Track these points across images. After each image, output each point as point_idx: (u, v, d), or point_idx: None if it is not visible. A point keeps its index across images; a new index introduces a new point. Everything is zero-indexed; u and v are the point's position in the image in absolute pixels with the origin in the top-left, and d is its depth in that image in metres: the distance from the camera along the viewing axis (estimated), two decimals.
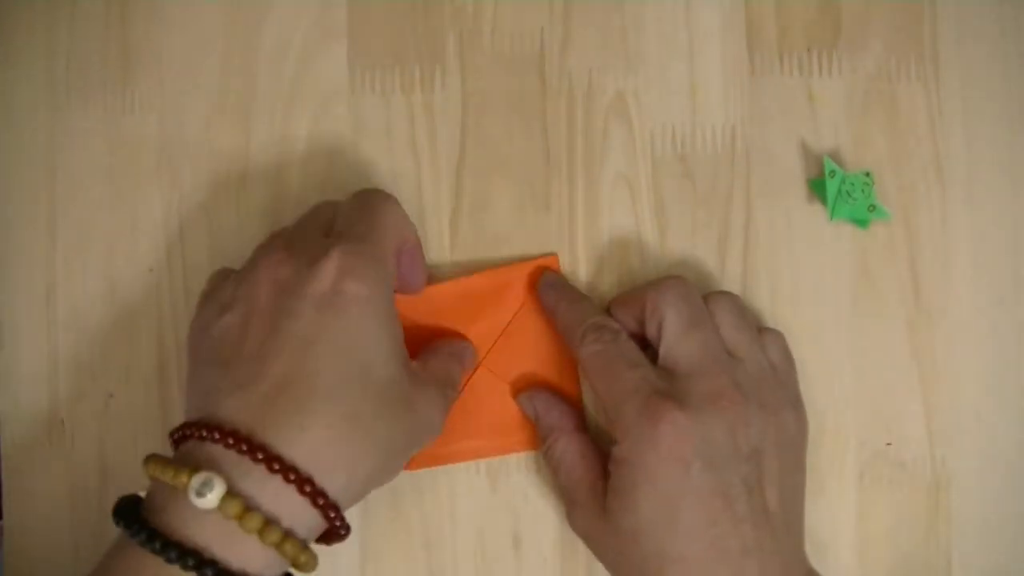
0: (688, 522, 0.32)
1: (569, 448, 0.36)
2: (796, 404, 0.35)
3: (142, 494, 0.30)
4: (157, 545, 0.27)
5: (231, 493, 0.28)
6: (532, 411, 0.38)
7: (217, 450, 0.28)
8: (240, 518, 0.27)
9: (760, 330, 0.36)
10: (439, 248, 0.40)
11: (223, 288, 0.33)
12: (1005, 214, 0.39)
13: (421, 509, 0.39)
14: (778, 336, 0.36)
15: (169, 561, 0.27)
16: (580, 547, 0.39)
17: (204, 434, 0.28)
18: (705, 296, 0.36)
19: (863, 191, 0.38)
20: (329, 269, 0.31)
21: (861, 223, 0.39)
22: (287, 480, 0.28)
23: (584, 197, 0.40)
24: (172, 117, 0.40)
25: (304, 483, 0.28)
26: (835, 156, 0.39)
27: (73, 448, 0.40)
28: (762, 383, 0.34)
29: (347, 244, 0.31)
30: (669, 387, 0.33)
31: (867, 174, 0.38)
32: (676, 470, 0.32)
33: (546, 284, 0.38)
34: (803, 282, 0.39)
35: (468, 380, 0.38)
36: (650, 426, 0.32)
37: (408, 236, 0.35)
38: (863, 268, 0.39)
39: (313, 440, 0.29)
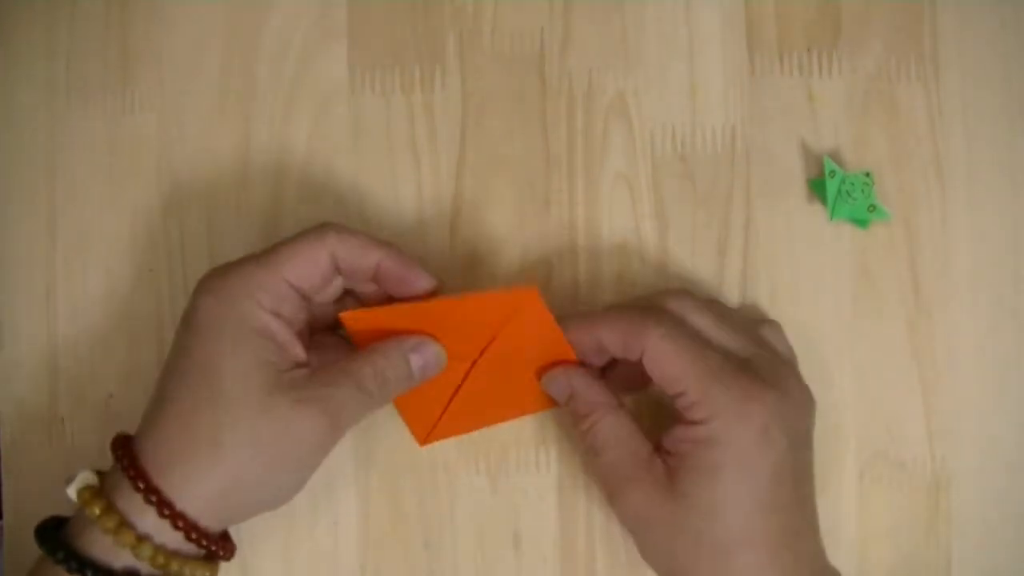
0: (767, 502, 0.32)
1: (618, 424, 0.34)
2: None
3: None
4: (58, 553, 0.32)
5: (110, 508, 0.31)
6: (567, 388, 0.35)
7: (132, 494, 0.32)
8: (115, 533, 0.31)
9: (759, 322, 0.37)
10: (439, 248, 0.40)
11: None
12: (1005, 214, 0.39)
13: (421, 509, 0.39)
14: (778, 327, 0.37)
15: (56, 562, 0.32)
16: (580, 547, 0.39)
17: (128, 468, 0.32)
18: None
19: (863, 191, 0.38)
20: (192, 298, 0.33)
21: (861, 223, 0.39)
22: (148, 502, 0.31)
23: (584, 197, 0.40)
24: (172, 117, 0.40)
25: (163, 507, 0.31)
26: (835, 156, 0.39)
27: (73, 448, 0.40)
28: (794, 370, 0.35)
29: (214, 275, 0.33)
30: (748, 364, 0.33)
31: (867, 174, 0.38)
32: (764, 450, 0.31)
33: (568, 319, 0.36)
34: (803, 282, 0.39)
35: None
36: (742, 403, 0.32)
37: (340, 255, 0.34)
38: (863, 268, 0.39)
39: (175, 462, 0.31)
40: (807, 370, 0.38)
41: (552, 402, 0.37)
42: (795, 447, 0.32)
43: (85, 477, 0.33)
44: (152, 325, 0.40)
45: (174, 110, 0.40)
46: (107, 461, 0.40)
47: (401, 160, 0.40)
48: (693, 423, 0.32)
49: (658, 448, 0.34)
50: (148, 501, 0.31)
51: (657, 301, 0.35)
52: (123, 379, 0.40)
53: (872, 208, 0.38)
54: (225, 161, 0.40)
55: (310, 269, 0.34)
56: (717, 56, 0.40)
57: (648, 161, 0.40)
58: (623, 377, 0.37)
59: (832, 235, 0.39)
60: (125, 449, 0.32)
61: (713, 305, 0.36)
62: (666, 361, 0.33)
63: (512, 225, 0.40)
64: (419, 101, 0.40)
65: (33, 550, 0.40)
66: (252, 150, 0.40)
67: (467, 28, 0.40)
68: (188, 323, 0.33)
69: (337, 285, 0.35)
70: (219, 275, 0.33)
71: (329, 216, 0.40)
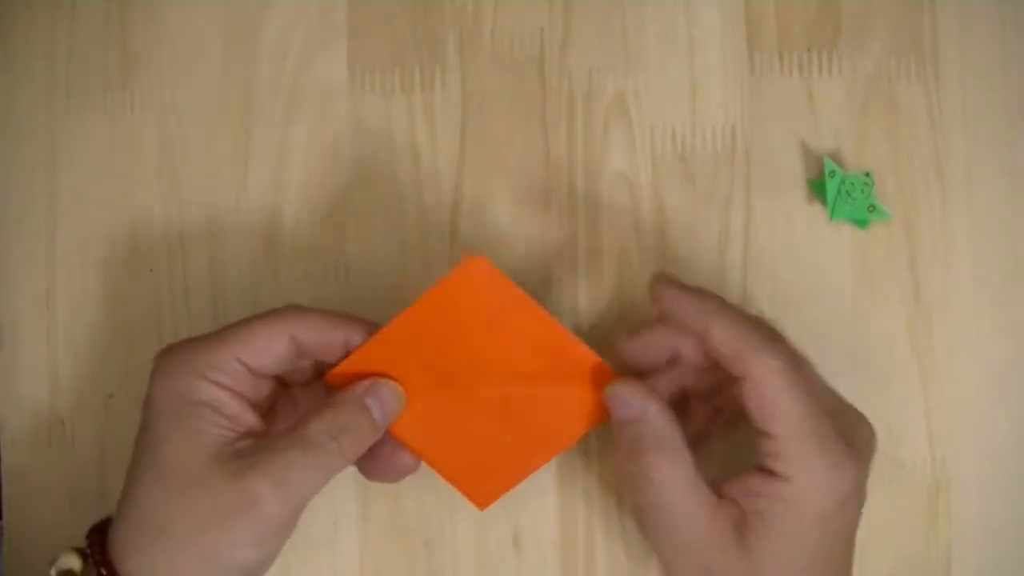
0: (831, 569, 0.31)
1: (686, 469, 0.31)
2: None
3: None
4: None
5: None
6: (638, 412, 0.32)
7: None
8: None
9: None
10: (439, 248, 0.40)
11: None
12: (1005, 214, 0.39)
13: (421, 509, 0.39)
14: None
15: None
16: (580, 547, 0.39)
17: (98, 560, 0.32)
18: None
19: (863, 191, 0.38)
20: (151, 375, 0.33)
21: (861, 223, 0.39)
22: None
23: (584, 197, 0.40)
24: (172, 117, 0.40)
25: None
26: (835, 156, 0.39)
27: (73, 448, 0.40)
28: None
29: (167, 351, 0.33)
30: (840, 428, 0.31)
31: (867, 174, 0.38)
32: (842, 517, 0.31)
33: (668, 281, 0.33)
34: (803, 282, 0.39)
35: (463, 407, 0.35)
36: (831, 469, 0.30)
37: (296, 331, 0.33)
38: (863, 268, 0.39)
39: (129, 549, 0.31)
40: None
41: (595, 420, 0.34)
42: (859, 512, 0.32)
43: (65, 561, 0.33)
44: (152, 325, 0.40)
45: (174, 110, 0.40)
46: (107, 462, 0.40)
47: (401, 160, 0.40)
48: (773, 474, 0.30)
49: (721, 496, 0.31)
50: None
51: (767, 327, 0.32)
52: (123, 379, 0.40)
53: (872, 208, 0.38)
54: (225, 161, 0.40)
55: (265, 350, 0.32)
56: (717, 56, 0.40)
57: (648, 161, 0.40)
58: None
59: (832, 235, 0.39)
60: (98, 535, 0.32)
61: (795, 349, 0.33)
62: (775, 398, 0.30)
63: (512, 225, 0.40)
64: (419, 101, 0.40)
65: (33, 551, 0.40)
66: (252, 150, 0.40)
67: (467, 28, 0.40)
68: (144, 404, 0.33)
69: (305, 364, 0.34)
70: (169, 353, 0.33)
71: (329, 216, 0.40)
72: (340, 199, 0.40)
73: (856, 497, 0.31)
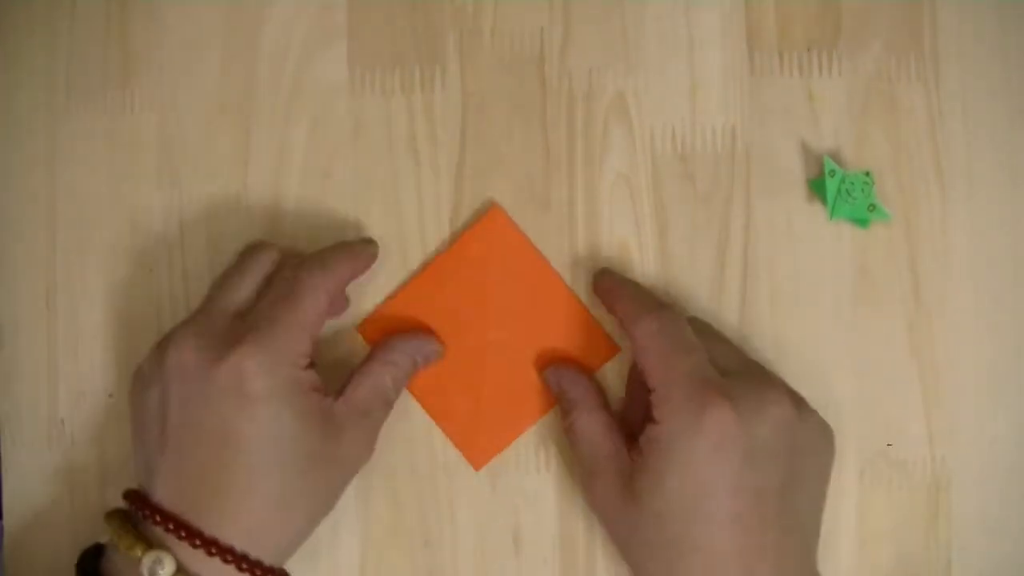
0: (716, 513, 0.32)
1: (593, 422, 0.36)
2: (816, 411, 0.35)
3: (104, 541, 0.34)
4: None
5: (181, 570, 0.31)
6: (556, 386, 0.38)
7: (161, 531, 0.32)
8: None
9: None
10: (439, 248, 0.40)
11: (148, 359, 0.35)
12: (1005, 214, 0.39)
13: (421, 509, 0.39)
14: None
15: None
16: (580, 547, 0.39)
17: (148, 514, 0.32)
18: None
19: (863, 191, 0.38)
20: (234, 366, 0.32)
21: (861, 223, 0.39)
22: (225, 561, 0.32)
23: (584, 197, 0.40)
24: (172, 117, 0.40)
25: (241, 561, 0.32)
26: (835, 156, 0.39)
27: (73, 448, 0.40)
28: (793, 391, 0.35)
29: (252, 343, 0.33)
30: (722, 381, 0.33)
31: (867, 174, 0.38)
32: (714, 460, 0.32)
33: (603, 272, 0.39)
34: (803, 282, 0.39)
35: (478, 360, 0.39)
36: (697, 412, 0.32)
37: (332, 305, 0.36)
38: (863, 268, 0.39)
39: (242, 522, 0.32)
40: (807, 370, 0.39)
41: (608, 354, 0.39)
42: (757, 466, 0.32)
43: (163, 559, 0.32)
44: (152, 325, 0.40)
45: (174, 110, 0.40)
46: (107, 461, 0.40)
47: (401, 160, 0.40)
48: (654, 422, 0.33)
49: (632, 448, 0.34)
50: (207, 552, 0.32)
51: (654, 301, 0.36)
52: (123, 379, 0.40)
53: (872, 208, 0.38)
54: (225, 161, 0.40)
55: (318, 323, 0.35)
56: (717, 56, 0.40)
57: (648, 161, 0.40)
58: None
59: (832, 235, 0.39)
60: (188, 529, 0.32)
61: (715, 331, 0.38)
62: (646, 354, 0.34)
63: None
64: (419, 101, 0.40)
65: (33, 551, 0.40)
66: (252, 150, 0.40)
67: (467, 28, 0.40)
68: (236, 402, 0.32)
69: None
70: (262, 352, 0.33)
71: (329, 215, 0.40)
72: (340, 199, 0.40)
73: (735, 442, 0.32)
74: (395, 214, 0.40)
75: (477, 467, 0.39)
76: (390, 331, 0.38)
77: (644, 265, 0.39)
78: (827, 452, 0.35)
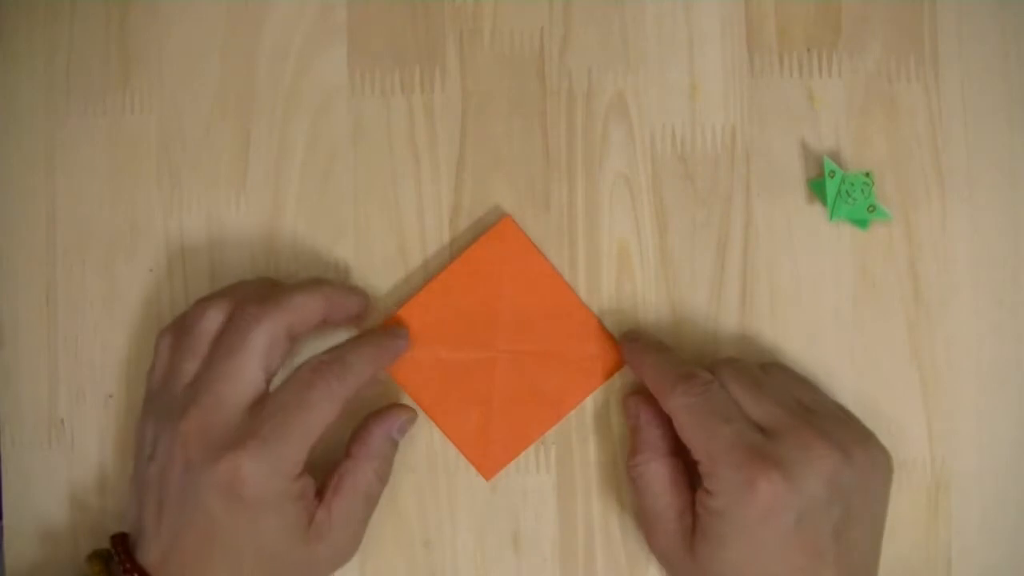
0: (775, 570, 0.32)
1: (661, 472, 0.36)
2: (875, 437, 0.35)
3: None
4: None
5: None
6: (633, 419, 0.37)
7: None
8: None
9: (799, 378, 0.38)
10: (439, 248, 0.40)
11: (149, 423, 0.35)
12: (1005, 214, 0.39)
13: (421, 509, 0.39)
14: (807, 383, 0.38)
15: None
16: (580, 547, 0.39)
17: (128, 569, 0.33)
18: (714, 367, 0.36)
19: (863, 191, 0.38)
20: (231, 468, 0.32)
21: (861, 223, 0.39)
22: None
23: (584, 197, 0.40)
24: (172, 117, 0.40)
25: None
26: (835, 156, 0.39)
27: (73, 448, 0.40)
28: (843, 425, 0.35)
29: (253, 449, 0.33)
30: (767, 445, 0.33)
31: (867, 174, 0.38)
32: (770, 527, 0.32)
33: (629, 338, 0.38)
34: (803, 282, 0.39)
35: (490, 371, 0.39)
36: (747, 485, 0.32)
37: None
38: (863, 268, 0.39)
39: None
40: (807, 370, 0.39)
41: (590, 387, 0.39)
42: (812, 520, 0.32)
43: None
44: (152, 325, 0.40)
45: (174, 110, 0.40)
46: (107, 461, 0.40)
47: (401, 160, 0.40)
48: (707, 491, 0.33)
49: (693, 503, 0.35)
50: None
51: (690, 368, 0.36)
52: (123, 379, 0.40)
53: (872, 208, 0.38)
54: (225, 161, 0.40)
55: (329, 424, 0.35)
56: (717, 56, 0.40)
57: (648, 161, 0.40)
58: None
59: (832, 235, 0.39)
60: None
61: (756, 373, 0.36)
62: (684, 431, 0.34)
63: None
64: (419, 101, 0.40)
65: (33, 550, 0.40)
66: (252, 150, 0.40)
67: (467, 28, 0.40)
68: (230, 503, 0.33)
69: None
70: (260, 460, 0.33)
71: (329, 215, 0.40)
72: (340, 199, 0.40)
73: (786, 502, 0.32)
74: (395, 214, 0.40)
75: (488, 477, 0.39)
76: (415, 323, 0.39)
77: (644, 265, 0.39)
78: (881, 482, 0.35)
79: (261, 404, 0.34)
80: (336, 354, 0.35)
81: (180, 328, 0.36)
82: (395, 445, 0.38)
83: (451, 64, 0.40)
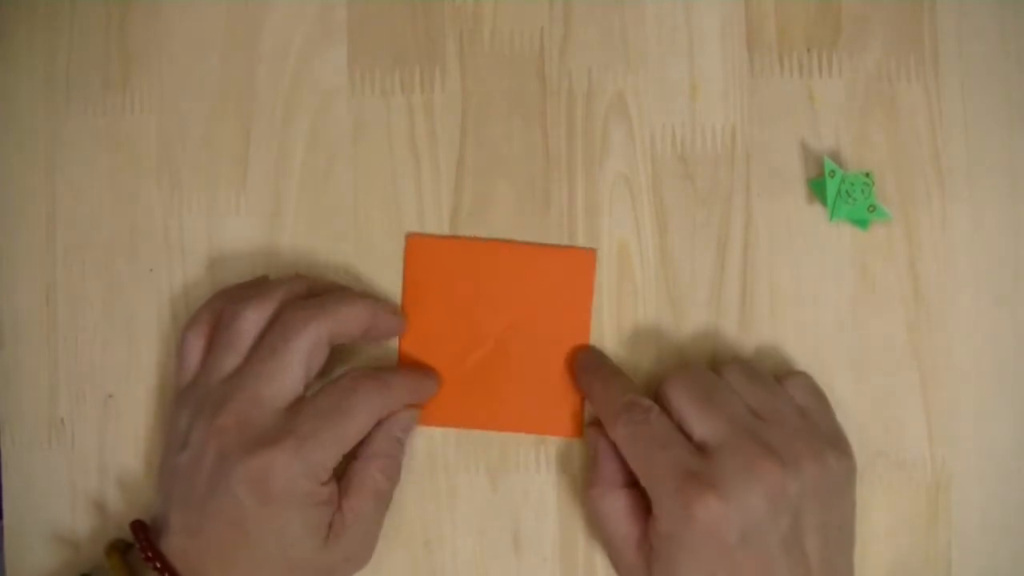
0: None
1: (617, 504, 0.36)
2: (836, 442, 0.35)
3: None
4: None
5: None
6: (592, 449, 0.37)
7: None
8: None
9: (783, 376, 0.37)
10: None
11: (183, 414, 0.36)
12: (1005, 214, 0.39)
13: (421, 509, 0.39)
14: (803, 377, 0.37)
15: None
16: (580, 547, 0.39)
17: (150, 557, 0.34)
18: (716, 368, 0.36)
19: (863, 191, 0.38)
20: (264, 464, 0.33)
21: (861, 223, 0.39)
22: None
23: (584, 197, 0.40)
24: (172, 117, 0.40)
25: None
26: (835, 156, 0.39)
27: (73, 448, 0.40)
28: (796, 435, 0.34)
29: (288, 450, 0.33)
30: (701, 466, 0.33)
31: (867, 174, 0.38)
32: (712, 548, 0.32)
33: (580, 365, 0.39)
34: (803, 282, 0.39)
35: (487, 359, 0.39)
36: (684, 509, 0.32)
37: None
38: (863, 268, 0.39)
39: None
40: (806, 370, 0.39)
41: (567, 431, 0.39)
42: (757, 535, 0.32)
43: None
44: (152, 325, 0.40)
45: (174, 110, 0.40)
46: (107, 462, 0.40)
47: (401, 160, 0.40)
48: (655, 517, 0.34)
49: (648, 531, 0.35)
50: None
51: (632, 397, 0.36)
52: (123, 379, 0.40)
53: (872, 208, 0.38)
54: (225, 161, 0.40)
55: (363, 433, 0.36)
56: (717, 56, 0.40)
57: (648, 161, 0.40)
58: None
59: (832, 235, 0.39)
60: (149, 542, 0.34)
61: (709, 384, 0.36)
62: (629, 460, 0.35)
63: (512, 225, 0.40)
64: (419, 101, 0.40)
65: (33, 550, 0.40)
66: (252, 150, 0.40)
67: (467, 28, 0.40)
68: (259, 496, 0.33)
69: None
70: (296, 459, 0.33)
71: (329, 215, 0.40)
72: (340, 199, 0.40)
73: (729, 522, 0.32)
74: (395, 214, 0.40)
75: (419, 420, 0.39)
76: (433, 260, 0.39)
77: (644, 265, 0.39)
78: (838, 490, 0.35)
79: (299, 406, 0.35)
80: (380, 373, 0.37)
81: (214, 325, 0.36)
82: (400, 444, 0.38)
83: (451, 64, 0.40)
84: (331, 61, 0.40)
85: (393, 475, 0.37)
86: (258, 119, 0.40)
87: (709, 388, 0.35)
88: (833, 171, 0.38)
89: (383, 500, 0.37)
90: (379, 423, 0.37)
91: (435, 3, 0.40)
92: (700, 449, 0.34)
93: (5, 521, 0.40)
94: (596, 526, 0.37)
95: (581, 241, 0.39)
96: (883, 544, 0.39)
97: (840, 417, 0.38)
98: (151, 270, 0.40)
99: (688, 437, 0.34)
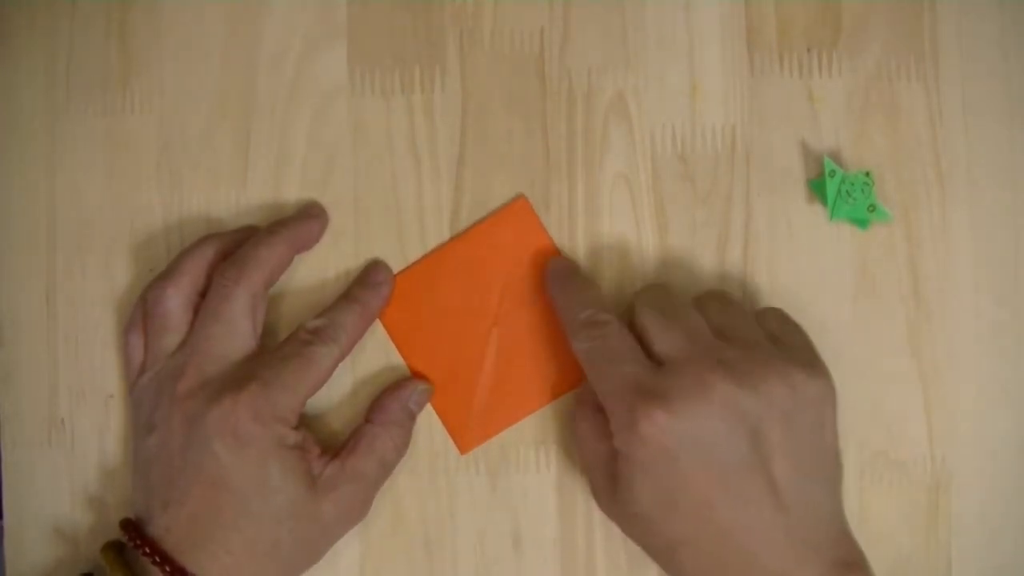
0: (685, 507, 0.32)
1: (587, 425, 0.36)
2: (809, 365, 0.34)
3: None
4: None
5: None
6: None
7: (150, 566, 0.33)
8: None
9: (759, 310, 0.37)
10: (440, 247, 0.40)
11: (143, 403, 0.36)
12: (1005, 214, 0.39)
13: (421, 509, 0.39)
14: (777, 310, 0.37)
15: None
16: (580, 547, 0.39)
17: (139, 545, 0.34)
18: (695, 296, 0.37)
19: (863, 191, 0.38)
20: (229, 410, 0.34)
21: (861, 223, 0.39)
22: None
23: (584, 197, 0.40)
24: (172, 117, 0.40)
25: None
26: (835, 156, 0.39)
27: (73, 448, 0.40)
28: (758, 354, 0.33)
29: (251, 394, 0.34)
30: (654, 382, 0.33)
31: (867, 174, 0.38)
32: (663, 463, 0.32)
33: (551, 275, 0.38)
34: (803, 282, 0.39)
35: (487, 347, 0.39)
36: (633, 424, 0.32)
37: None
38: (863, 268, 0.39)
39: (224, 564, 0.33)
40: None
41: (581, 377, 0.38)
42: (710, 450, 0.32)
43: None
44: None
45: (174, 110, 0.40)
46: (107, 462, 0.40)
47: (401, 160, 0.40)
48: (612, 433, 0.34)
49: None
50: None
51: (592, 313, 0.36)
52: (123, 379, 0.40)
53: (872, 208, 0.38)
54: (225, 161, 0.40)
55: (323, 382, 0.36)
56: (717, 56, 0.40)
57: (648, 161, 0.40)
58: None
59: (832, 235, 0.39)
60: (172, 565, 0.33)
61: (674, 302, 0.36)
62: (588, 376, 0.35)
63: None
64: (419, 101, 0.40)
65: (33, 550, 0.40)
66: (252, 150, 0.40)
67: (467, 28, 0.40)
68: (230, 445, 0.33)
69: None
70: (260, 399, 0.34)
71: (329, 215, 0.40)
72: (340, 199, 0.40)
73: (673, 441, 0.32)
74: (395, 214, 0.40)
75: (464, 451, 0.39)
76: (397, 306, 0.39)
77: (644, 265, 0.39)
78: (812, 413, 0.33)
79: (258, 356, 0.36)
80: (330, 317, 0.37)
81: (142, 317, 0.37)
82: (412, 416, 0.38)
83: (451, 64, 0.40)
84: (331, 61, 0.40)
85: (401, 446, 0.38)
86: (258, 119, 0.40)
87: (675, 305, 0.35)
88: (833, 171, 0.38)
89: (386, 468, 0.37)
90: (396, 393, 0.38)
91: (435, 3, 0.40)
92: (657, 366, 0.33)
93: (5, 520, 0.40)
94: (576, 447, 0.37)
95: (581, 240, 0.39)
96: (883, 544, 0.39)
97: (840, 416, 0.38)
98: (151, 270, 0.40)
99: (649, 354, 0.34)
